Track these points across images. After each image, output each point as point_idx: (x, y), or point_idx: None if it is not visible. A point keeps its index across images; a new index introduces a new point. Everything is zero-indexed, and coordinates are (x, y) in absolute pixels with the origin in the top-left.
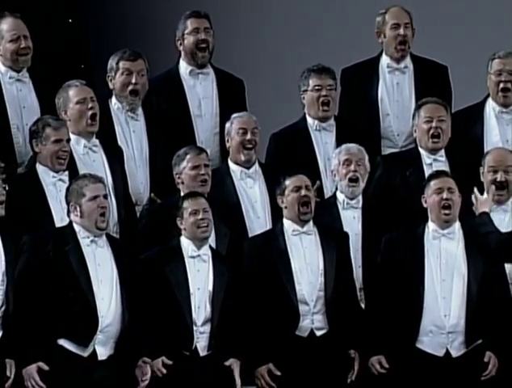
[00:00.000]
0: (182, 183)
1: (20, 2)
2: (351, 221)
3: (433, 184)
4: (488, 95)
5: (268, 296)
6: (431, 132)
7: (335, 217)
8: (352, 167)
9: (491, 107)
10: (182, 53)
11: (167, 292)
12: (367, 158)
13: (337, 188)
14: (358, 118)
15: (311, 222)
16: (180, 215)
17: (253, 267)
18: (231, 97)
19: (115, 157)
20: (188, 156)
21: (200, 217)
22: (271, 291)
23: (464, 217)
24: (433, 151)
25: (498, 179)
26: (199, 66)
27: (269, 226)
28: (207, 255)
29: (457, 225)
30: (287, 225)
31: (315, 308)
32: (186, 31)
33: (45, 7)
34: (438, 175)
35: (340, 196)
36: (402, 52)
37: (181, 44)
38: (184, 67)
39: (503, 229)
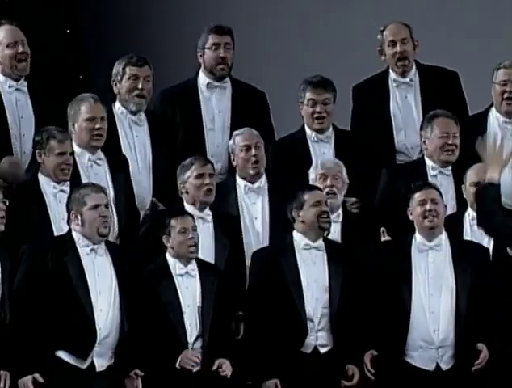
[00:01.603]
0: (187, 192)
1: (18, 13)
2: (331, 234)
3: (416, 196)
4: (491, 105)
5: (276, 310)
6: (447, 147)
7: None
8: (328, 182)
9: (494, 116)
10: (202, 65)
11: (161, 313)
12: (344, 170)
13: None
14: (372, 133)
15: (321, 238)
16: (167, 233)
17: (261, 280)
18: (250, 110)
19: (119, 168)
20: (194, 166)
21: (190, 236)
22: (280, 306)
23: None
24: (445, 164)
25: None
26: (218, 79)
27: (265, 243)
28: (194, 270)
29: (443, 236)
30: (299, 238)
31: (319, 325)
32: (206, 45)
33: (43, 17)
34: (422, 186)
35: None
36: (403, 67)
37: (201, 56)
38: (203, 79)
39: None
